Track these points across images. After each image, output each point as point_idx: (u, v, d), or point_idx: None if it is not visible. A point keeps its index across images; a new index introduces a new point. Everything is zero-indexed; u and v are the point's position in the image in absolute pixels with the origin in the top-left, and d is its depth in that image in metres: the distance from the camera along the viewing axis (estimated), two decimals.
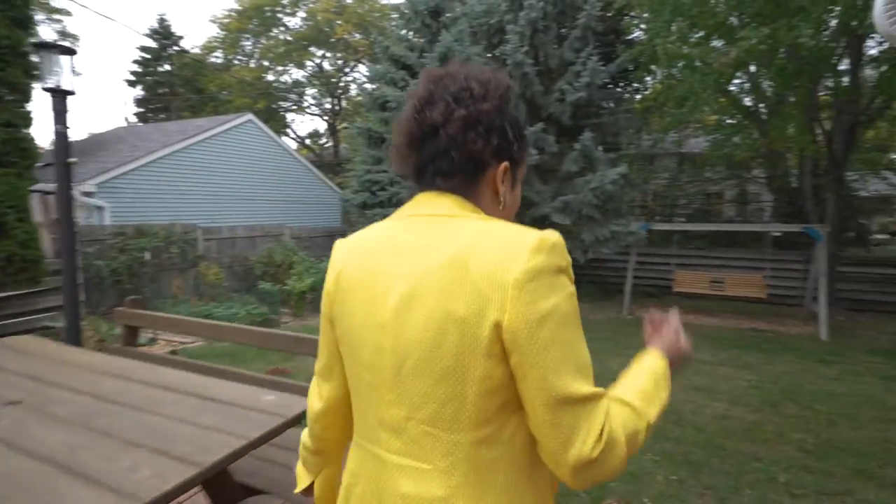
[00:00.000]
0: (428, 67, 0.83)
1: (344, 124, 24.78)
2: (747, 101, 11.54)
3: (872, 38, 8.77)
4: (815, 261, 8.11)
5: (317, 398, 0.88)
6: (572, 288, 0.67)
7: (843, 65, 9.13)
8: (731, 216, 15.93)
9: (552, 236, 0.67)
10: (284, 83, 25.23)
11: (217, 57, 24.83)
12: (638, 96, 12.79)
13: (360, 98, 10.18)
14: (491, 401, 0.65)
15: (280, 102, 25.30)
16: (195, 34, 39.86)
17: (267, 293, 8.03)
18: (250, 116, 11.90)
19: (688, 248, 11.43)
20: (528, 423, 0.67)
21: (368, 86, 11.58)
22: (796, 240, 10.44)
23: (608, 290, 10.80)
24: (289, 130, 27.17)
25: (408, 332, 0.66)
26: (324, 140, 28.33)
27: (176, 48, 22.84)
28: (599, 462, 0.62)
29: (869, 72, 9.28)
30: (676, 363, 0.81)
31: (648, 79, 12.32)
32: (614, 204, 9.27)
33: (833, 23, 8.09)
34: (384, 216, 5.57)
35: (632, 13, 10.28)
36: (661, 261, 10.91)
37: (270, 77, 24.72)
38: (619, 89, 11.97)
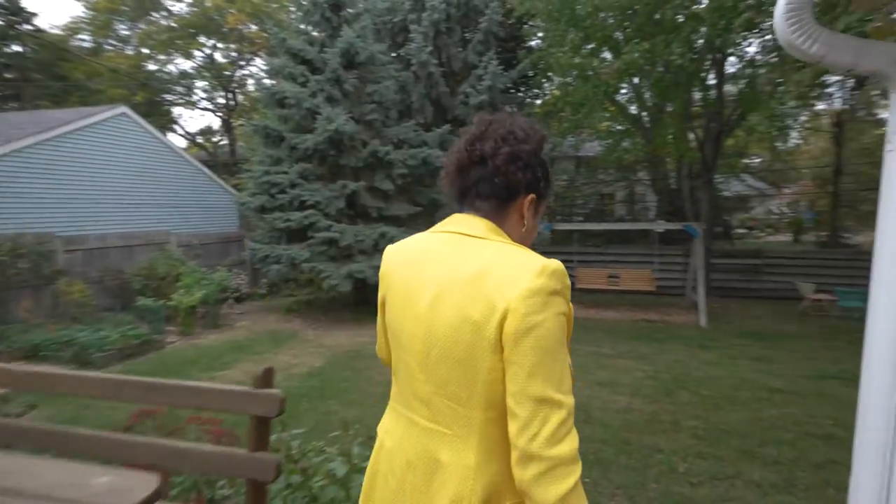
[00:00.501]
0: (481, 113, 0.97)
1: (240, 121, 23.02)
2: (633, 110, 12.54)
3: (732, 56, 9.97)
4: (693, 255, 9.00)
5: (385, 353, 1.08)
6: (565, 308, 0.81)
7: (711, 80, 10.25)
8: (622, 215, 17.29)
9: (553, 264, 0.80)
10: (169, 74, 22.83)
11: (83, 40, 21.76)
12: (538, 101, 13.41)
13: (257, 93, 9.43)
14: (496, 389, 0.80)
15: (165, 95, 22.83)
16: (54, 12, 34.69)
17: (148, 310, 7.06)
18: (124, 109, 10.45)
19: (586, 245, 12.14)
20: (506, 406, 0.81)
21: (266, 81, 10.80)
22: (677, 236, 11.56)
23: None
24: (176, 126, 24.66)
25: (435, 327, 0.84)
26: (218, 138, 26.12)
27: (28, 26, 19.59)
28: (554, 466, 0.73)
29: (730, 88, 10.50)
30: None
31: (547, 85, 12.97)
32: None
33: (700, 42, 9.01)
34: (287, 220, 5.02)
35: (531, 22, 10.65)
36: (563, 259, 11.44)
37: (152, 66, 22.21)
38: (520, 94, 12.44)
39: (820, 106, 14.21)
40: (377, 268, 7.77)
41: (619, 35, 9.22)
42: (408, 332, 0.89)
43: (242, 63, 23.30)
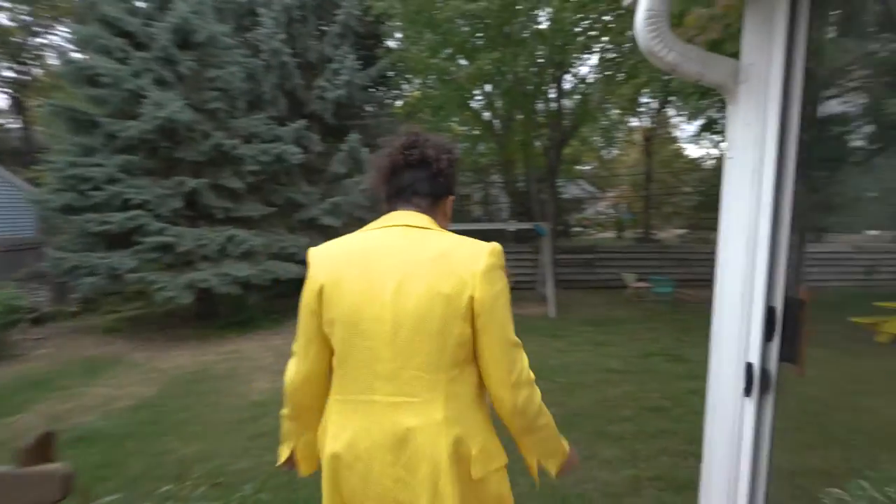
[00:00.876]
0: (407, 126, 1.16)
1: (37, 101, 18.71)
2: (486, 116, 13.31)
3: (568, 73, 11.15)
4: (542, 252, 9.85)
5: (295, 373, 1.14)
6: (506, 280, 1.04)
7: (552, 94, 11.34)
8: (478, 215, 18.27)
9: (497, 246, 1.03)
10: None
11: None
12: (399, 102, 13.43)
13: (60, 68, 7.53)
14: (460, 351, 1.00)
15: None
16: None
17: None
18: None
19: None
20: (482, 363, 1.03)
21: (74, 54, 8.87)
22: (526, 234, 12.57)
23: None
24: None
25: (405, 306, 0.97)
26: (5, 120, 20.90)
27: None
28: (532, 384, 1.05)
29: (567, 102, 11.75)
30: (567, 464, 1.20)
31: (406, 86, 13.06)
32: None
33: (542, 59, 9.89)
34: (104, 223, 4.04)
35: (388, 22, 10.56)
36: None
37: None
38: (380, 93, 12.30)
39: (634, 122, 16.83)
40: (226, 275, 6.93)
41: (473, 43, 9.64)
42: (371, 318, 0.97)
43: (38, 29, 19.02)
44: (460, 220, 15.96)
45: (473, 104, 12.68)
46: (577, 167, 20.41)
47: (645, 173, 17.06)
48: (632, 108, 10.61)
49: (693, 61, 1.20)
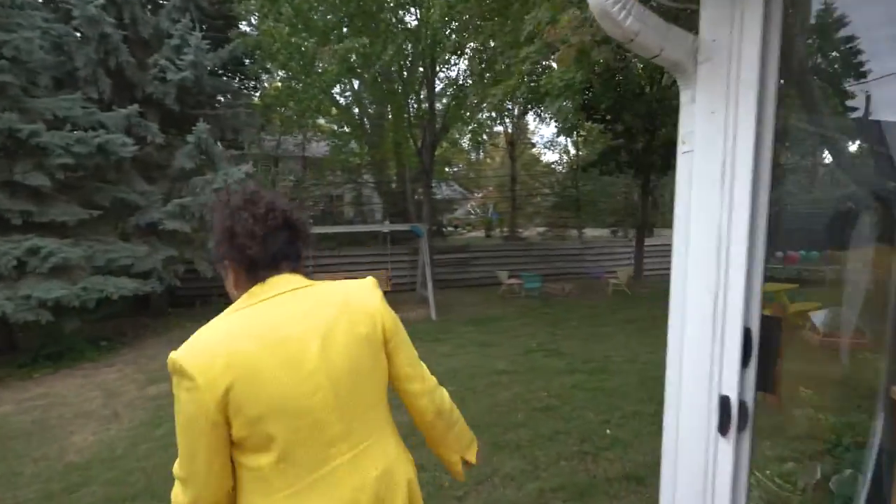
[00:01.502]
0: (247, 184, 1.08)
1: None
2: (356, 114, 12.76)
3: (440, 74, 11.18)
4: (420, 253, 9.68)
5: (205, 478, 0.91)
6: None
7: (423, 94, 11.25)
8: (351, 217, 17.56)
9: (373, 277, 1.13)
10: None
11: None
12: (257, 94, 12.15)
13: None
14: (385, 377, 1.07)
15: None
16: None
17: None
18: None
19: (321, 249, 11.67)
20: (400, 382, 1.11)
21: None
22: (402, 236, 12.34)
23: None
24: None
25: (336, 363, 0.94)
26: None
27: None
28: (438, 384, 1.19)
29: (438, 104, 11.77)
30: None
31: (266, 77, 11.89)
32: None
33: (411, 55, 9.70)
34: None
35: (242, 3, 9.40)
36: None
37: None
38: (234, 83, 10.96)
39: (498, 128, 17.70)
40: (27, 298, 5.39)
41: (336, 34, 9.07)
42: (304, 393, 0.91)
43: None
44: (333, 222, 15.13)
45: (341, 99, 12.05)
46: (447, 169, 20.88)
47: (510, 175, 18.05)
48: (501, 109, 10.98)
49: (653, 31, 0.98)
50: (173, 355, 0.85)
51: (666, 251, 14.09)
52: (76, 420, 4.35)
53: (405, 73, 9.48)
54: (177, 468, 0.91)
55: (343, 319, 0.97)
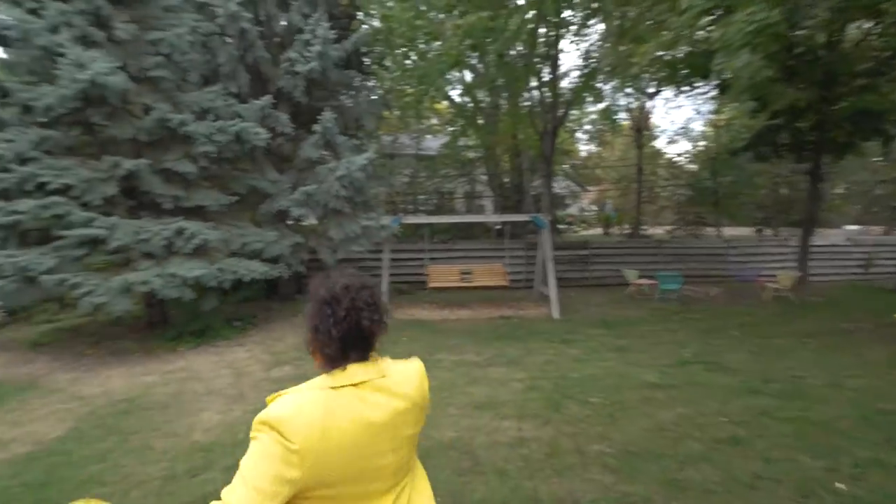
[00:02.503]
0: (334, 274, 1.11)
1: None
2: (468, 107, 12.33)
3: (564, 53, 10.28)
4: (541, 247, 8.89)
5: None
6: None
7: (545, 75, 10.42)
8: (462, 212, 17.28)
9: (422, 365, 1.18)
10: None
11: None
12: (376, 90, 12.37)
13: None
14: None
15: None
16: None
17: None
18: None
19: (434, 242, 11.46)
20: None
21: None
22: (516, 230, 11.63)
23: None
24: None
25: (403, 433, 1.06)
26: None
27: None
28: None
29: (564, 85, 10.84)
30: None
31: (385, 72, 12.02)
32: (363, 196, 8.23)
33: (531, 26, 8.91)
34: (12, 213, 2.49)
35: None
36: (413, 256, 10.56)
37: None
38: (356, 78, 11.19)
39: (622, 115, 16.08)
40: (173, 276, 5.68)
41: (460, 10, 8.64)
42: (369, 475, 1.00)
43: None
44: (446, 213, 14.96)
45: (453, 94, 11.71)
46: (569, 160, 19.66)
47: (637, 166, 16.34)
48: (642, 76, 9.33)
49: None
50: (274, 413, 0.91)
51: (833, 254, 11.65)
52: (206, 397, 4.39)
53: (527, 48, 8.75)
54: (230, 497, 0.88)
55: (408, 394, 1.07)
